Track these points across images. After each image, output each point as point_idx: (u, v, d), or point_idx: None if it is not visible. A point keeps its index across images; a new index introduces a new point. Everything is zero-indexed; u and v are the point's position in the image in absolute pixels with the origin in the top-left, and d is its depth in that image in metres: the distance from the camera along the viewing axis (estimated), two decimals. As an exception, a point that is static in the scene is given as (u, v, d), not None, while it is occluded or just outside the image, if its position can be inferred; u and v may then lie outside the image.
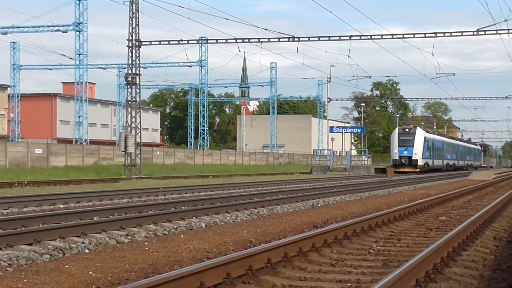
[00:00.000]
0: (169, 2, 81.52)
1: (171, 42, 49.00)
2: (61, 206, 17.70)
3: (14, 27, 69.52)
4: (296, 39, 46.64)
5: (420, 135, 70.44)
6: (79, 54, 70.61)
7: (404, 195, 25.35)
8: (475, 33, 44.60)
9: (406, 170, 66.36)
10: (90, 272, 8.25)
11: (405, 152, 68.24)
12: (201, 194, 24.17)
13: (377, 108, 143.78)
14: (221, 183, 33.26)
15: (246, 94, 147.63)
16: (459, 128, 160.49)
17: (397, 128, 75.05)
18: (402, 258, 9.57)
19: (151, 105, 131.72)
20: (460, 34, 46.51)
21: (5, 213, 15.52)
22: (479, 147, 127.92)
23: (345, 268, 8.99)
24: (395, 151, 68.91)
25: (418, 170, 67.11)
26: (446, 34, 47.04)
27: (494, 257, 10.02)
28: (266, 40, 47.64)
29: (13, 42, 79.58)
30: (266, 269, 8.49)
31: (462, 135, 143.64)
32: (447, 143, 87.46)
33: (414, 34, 47.48)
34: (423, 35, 47.37)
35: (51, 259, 9.36)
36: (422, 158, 69.07)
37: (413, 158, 67.84)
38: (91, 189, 26.51)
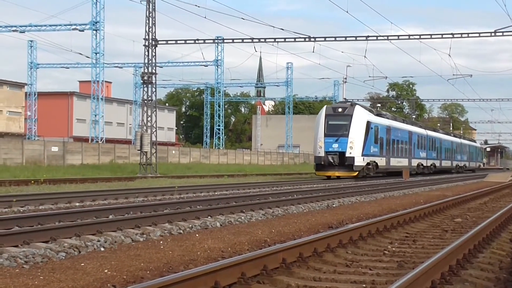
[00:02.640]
0: (185, 1, 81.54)
1: (187, 42, 49.10)
2: (77, 204, 17.77)
3: (32, 25, 69.84)
4: (312, 39, 46.65)
5: (360, 118, 44.98)
6: (96, 53, 70.83)
7: (420, 197, 25.26)
8: (493, 34, 44.42)
9: (336, 173, 44.22)
10: (106, 270, 8.28)
11: (335, 146, 44.15)
12: (216, 193, 24.18)
13: (393, 109, 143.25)
14: (236, 183, 33.28)
15: (262, 94, 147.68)
16: (475, 129, 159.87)
17: (324, 108, 47.93)
18: (417, 260, 9.54)
19: (167, 104, 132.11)
20: (477, 35, 46.36)
21: (21, 210, 15.60)
22: (478, 145, 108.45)
23: (360, 269, 8.97)
24: (319, 144, 44.34)
25: (355, 174, 44.16)
26: (463, 35, 46.82)
27: (510, 260, 9.96)
28: (282, 40, 47.70)
29: (31, 41, 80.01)
30: (281, 269, 8.49)
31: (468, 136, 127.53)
32: (416, 135, 61.24)
33: (431, 35, 47.35)
34: (440, 36, 47.18)
35: (66, 257, 9.40)
36: (363, 155, 44.72)
37: (347, 155, 43.60)
38: (106, 188, 26.62)
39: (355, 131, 43.95)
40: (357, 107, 45.68)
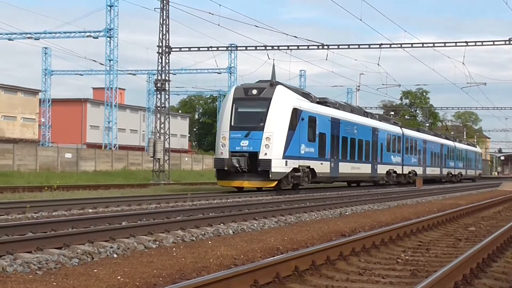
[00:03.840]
0: (199, 9, 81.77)
1: (200, 49, 49.33)
2: (90, 210, 17.83)
3: (46, 32, 70.22)
4: (325, 47, 46.72)
5: (284, 103, 31.63)
6: (110, 60, 71.24)
7: (433, 205, 25.17)
8: (507, 42, 44.31)
9: (245, 184, 31.42)
10: (118, 277, 8.29)
11: (244, 143, 30.86)
12: (228, 200, 24.19)
13: (406, 117, 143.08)
14: (248, 190, 33.30)
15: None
16: (489, 138, 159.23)
17: (233, 88, 34.85)
18: (430, 269, 9.50)
19: (180, 111, 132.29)
20: (491, 43, 46.26)
21: (35, 216, 15.66)
22: (478, 149, 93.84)
23: (373, 277, 8.95)
24: (222, 141, 31.10)
25: (272, 184, 30.82)
26: (477, 43, 46.69)
27: (524, 270, 9.91)
28: (296, 47, 47.79)
29: (45, 48, 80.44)
30: (293, 277, 8.49)
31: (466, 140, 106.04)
32: (385, 133, 47.29)
33: (444, 43, 47.24)
34: (454, 44, 47.06)
35: (80, 263, 9.43)
36: (286, 157, 31.03)
37: (260, 156, 30.24)
38: (119, 194, 26.71)
39: (275, 123, 30.12)
40: (279, 88, 31.49)
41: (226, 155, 30.31)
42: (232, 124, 30.89)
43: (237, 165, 29.62)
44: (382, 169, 46.08)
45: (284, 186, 31.52)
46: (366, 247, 11.30)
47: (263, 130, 30.11)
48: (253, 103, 31.54)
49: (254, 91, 31.38)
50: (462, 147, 77.74)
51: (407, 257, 10.94)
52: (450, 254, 11.29)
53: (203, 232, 13.15)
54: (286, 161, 30.68)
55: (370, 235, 12.11)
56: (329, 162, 36.55)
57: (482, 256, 10.26)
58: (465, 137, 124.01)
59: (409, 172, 52.87)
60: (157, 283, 7.98)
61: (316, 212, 19.24)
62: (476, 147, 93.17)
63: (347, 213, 20.01)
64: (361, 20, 40.57)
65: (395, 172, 49.01)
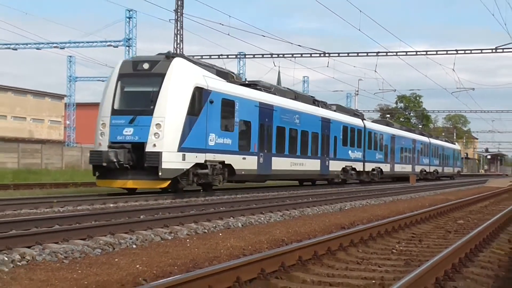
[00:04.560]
0: (210, 20, 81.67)
1: (212, 57, 49.14)
2: (111, 205, 17.83)
3: (71, 42, 70.17)
4: (327, 55, 46.56)
5: (183, 80, 22.20)
6: (129, 67, 71.22)
7: (425, 200, 25.15)
8: (494, 50, 44.14)
9: (129, 184, 21.81)
10: (137, 266, 8.33)
11: (127, 132, 21.55)
12: (238, 196, 24.16)
13: (401, 119, 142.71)
14: (256, 186, 33.28)
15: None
16: (477, 138, 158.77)
17: (120, 62, 23.43)
18: (423, 258, 9.52)
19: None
20: (479, 51, 46.01)
21: (61, 210, 15.71)
22: (456, 147, 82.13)
23: (370, 266, 8.97)
24: (101, 129, 22.08)
25: (164, 185, 21.57)
26: (466, 51, 46.44)
27: (508, 259, 9.92)
28: (299, 55, 47.62)
29: (70, 56, 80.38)
30: (297, 266, 8.50)
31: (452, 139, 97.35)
32: (338, 124, 37.33)
33: (436, 51, 46.95)
34: (445, 52, 46.78)
35: (102, 253, 9.48)
36: (183, 149, 21.65)
37: (147, 149, 20.90)
38: (138, 190, 26.71)
39: (168, 105, 21.15)
40: (177, 61, 22.07)
41: (104, 147, 21.23)
42: (115, 107, 21.61)
43: (115, 160, 20.27)
44: (336, 166, 36.18)
45: (184, 186, 22.30)
46: (364, 238, 11.32)
47: (152, 114, 20.86)
48: (142, 80, 21.97)
49: (146, 65, 21.84)
50: (438, 143, 67.61)
51: (401, 248, 10.96)
52: (441, 245, 11.29)
53: (214, 225, 13.17)
54: (184, 155, 21.20)
55: (367, 228, 12.12)
56: (256, 157, 26.56)
57: (469, 246, 10.26)
58: (455, 137, 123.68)
59: (373, 169, 43.15)
60: (172, 271, 8.02)
61: (318, 207, 19.22)
62: (454, 144, 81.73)
63: (346, 208, 20.00)
64: (359, 30, 41.06)
65: (354, 169, 39.16)
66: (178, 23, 45.64)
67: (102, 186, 22.72)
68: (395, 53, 47.77)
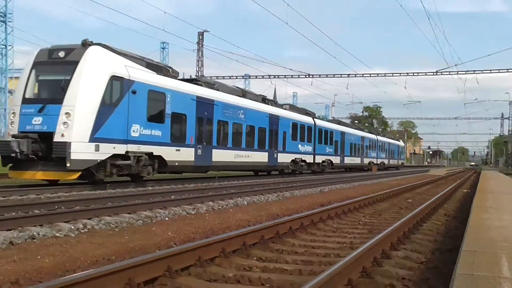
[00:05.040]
0: (223, 50, 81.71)
1: (224, 77, 49.28)
2: (149, 188, 17.82)
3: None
4: (311, 76, 46.69)
5: (97, 68, 16.18)
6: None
7: (384, 185, 25.12)
8: (435, 73, 44.13)
9: (39, 175, 15.59)
10: (169, 233, 8.36)
11: (36, 121, 15.53)
12: (244, 181, 24.16)
13: (366, 124, 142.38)
14: (257, 180, 33.29)
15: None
16: (422, 139, 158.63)
17: (37, 50, 17.19)
18: (381, 228, 9.53)
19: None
20: (424, 73, 46.11)
21: (113, 192, 15.68)
22: (401, 143, 74.37)
23: (343, 234, 9.00)
24: (12, 118, 16.07)
25: (74, 176, 15.51)
26: (414, 74, 46.66)
27: (444, 228, 9.95)
28: (290, 76, 48.10)
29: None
30: (288, 234, 8.53)
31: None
32: (286, 121, 31.47)
33: (392, 73, 47.52)
34: (398, 74, 47.25)
35: (143, 223, 9.51)
36: (94, 139, 15.79)
37: (56, 139, 15.04)
38: (168, 177, 26.69)
39: (80, 93, 15.87)
40: (93, 49, 16.60)
41: (12, 138, 15.68)
42: (26, 96, 16.54)
43: (17, 150, 15.12)
44: (285, 158, 30.78)
45: (102, 177, 16.76)
46: (338, 213, 11.34)
47: (61, 103, 15.66)
48: (56, 68, 16.72)
49: (61, 53, 16.63)
50: (384, 140, 60.96)
51: (366, 220, 10.98)
52: (395, 218, 11.30)
53: (226, 203, 13.18)
54: (97, 145, 16.22)
55: (341, 205, 12.14)
56: (193, 149, 21.61)
57: (416, 219, 10.29)
58: (406, 138, 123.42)
59: (323, 161, 37.63)
60: (195, 237, 8.05)
61: (304, 190, 19.21)
62: (399, 141, 74.00)
63: (325, 190, 19.99)
64: (335, 58, 40.78)
65: (303, 161, 33.68)
66: (200, 52, 45.61)
67: (14, 177, 16.80)
68: (361, 75, 47.82)
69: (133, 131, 17.80)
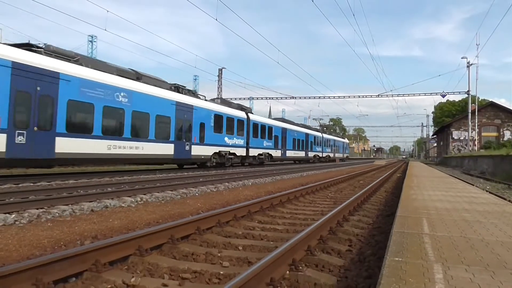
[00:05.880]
0: (235, 81, 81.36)
1: (236, 99, 49.16)
2: (185, 173, 17.64)
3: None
4: (294, 98, 46.54)
5: None
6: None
7: (343, 171, 24.95)
8: (377, 96, 44.04)
9: None
10: (198, 204, 8.30)
11: None
12: (249, 169, 24.03)
13: (331, 130, 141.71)
14: (257, 167, 33.05)
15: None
16: (369, 140, 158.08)
17: None
18: (343, 200, 9.47)
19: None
20: (370, 96, 45.95)
21: (161, 176, 15.51)
22: (346, 140, 61.98)
23: (316, 205, 8.91)
24: None
25: None
26: (363, 96, 46.48)
27: (384, 200, 9.86)
28: (280, 98, 48.41)
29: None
30: (279, 204, 8.46)
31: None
32: (192, 108, 17.87)
33: (349, 96, 46.99)
34: (353, 96, 46.98)
35: (180, 198, 9.43)
36: None
37: None
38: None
39: None
40: None
41: None
42: None
43: None
44: (204, 151, 20.39)
45: None
46: (312, 190, 11.25)
47: None
48: None
49: None
50: (330, 137, 49.34)
51: (331, 195, 10.89)
52: (351, 193, 11.21)
53: (237, 184, 13.06)
54: None
55: (314, 185, 12.04)
56: (4, 135, 10.19)
57: (366, 194, 10.21)
58: (358, 139, 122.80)
59: (260, 154, 27.53)
60: (216, 207, 7.97)
61: (289, 175, 19.07)
62: (344, 139, 62.34)
63: (304, 175, 19.83)
64: (310, 85, 40.59)
65: (232, 153, 23.51)
66: (219, 82, 45.51)
67: None
68: (328, 97, 47.65)
69: None
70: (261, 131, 28.26)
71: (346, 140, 59.63)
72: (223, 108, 23.20)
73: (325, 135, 46.81)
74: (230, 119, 23.51)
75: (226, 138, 23.19)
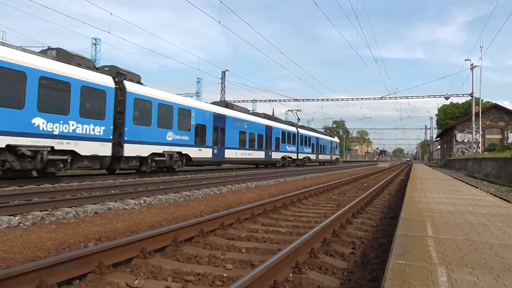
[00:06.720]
0: (238, 83, 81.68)
1: (239, 101, 49.24)
2: (188, 176, 17.67)
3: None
4: (297, 100, 46.64)
5: None
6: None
7: (347, 173, 24.93)
8: (380, 98, 44.00)
9: None
10: (202, 206, 8.31)
11: None
12: (252, 172, 24.04)
13: (334, 133, 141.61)
14: (259, 170, 33.07)
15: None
16: (372, 142, 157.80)
17: None
18: (346, 203, 9.46)
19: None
20: (373, 98, 45.87)
21: (165, 179, 15.62)
22: (336, 139, 49.35)
23: (319, 207, 8.91)
24: None
25: None
26: (367, 98, 46.49)
27: (388, 203, 9.84)
28: (283, 100, 47.74)
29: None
30: (282, 207, 8.46)
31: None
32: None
33: (352, 98, 47.28)
34: (356, 99, 46.97)
35: (183, 200, 9.45)
36: None
37: None
38: (199, 169, 26.61)
39: None
40: None
41: None
42: None
43: None
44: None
45: None
46: (316, 193, 11.24)
47: None
48: None
49: None
50: (310, 134, 36.98)
51: (335, 198, 10.87)
52: (355, 196, 11.20)
53: (240, 186, 13.08)
54: None
55: (318, 188, 12.04)
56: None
57: (369, 197, 10.19)
58: (362, 142, 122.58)
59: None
60: (219, 209, 7.98)
61: (293, 177, 19.02)
62: (334, 137, 50.41)
63: (307, 177, 19.82)
64: (313, 87, 40.86)
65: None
66: (222, 84, 45.62)
67: None
68: (331, 99, 47.71)
69: None
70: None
71: (335, 139, 49.47)
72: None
73: (302, 131, 35.51)
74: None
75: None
